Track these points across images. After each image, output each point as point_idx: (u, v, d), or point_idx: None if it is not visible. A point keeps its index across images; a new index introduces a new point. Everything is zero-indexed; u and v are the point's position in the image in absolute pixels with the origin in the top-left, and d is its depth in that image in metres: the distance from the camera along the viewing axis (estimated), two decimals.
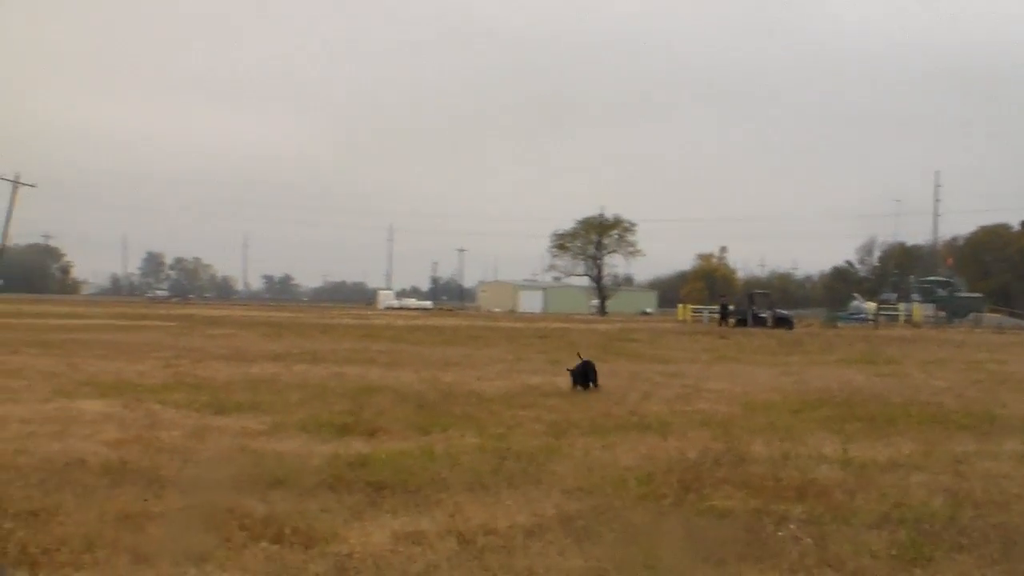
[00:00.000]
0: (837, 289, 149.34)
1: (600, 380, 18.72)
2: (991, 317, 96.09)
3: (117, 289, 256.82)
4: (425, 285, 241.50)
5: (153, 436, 11.80)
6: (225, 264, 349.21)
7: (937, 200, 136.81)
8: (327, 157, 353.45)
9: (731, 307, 76.51)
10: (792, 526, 7.79)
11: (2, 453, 10.33)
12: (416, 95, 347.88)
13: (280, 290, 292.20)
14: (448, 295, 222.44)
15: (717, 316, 77.67)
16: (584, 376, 18.86)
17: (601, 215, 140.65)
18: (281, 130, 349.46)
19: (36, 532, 7.09)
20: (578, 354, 20.18)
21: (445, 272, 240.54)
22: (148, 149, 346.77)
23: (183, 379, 19.10)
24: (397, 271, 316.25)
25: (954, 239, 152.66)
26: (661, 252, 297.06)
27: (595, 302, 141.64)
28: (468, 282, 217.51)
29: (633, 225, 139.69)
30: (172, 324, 50.78)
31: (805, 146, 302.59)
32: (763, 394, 18.54)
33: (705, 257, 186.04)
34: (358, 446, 11.24)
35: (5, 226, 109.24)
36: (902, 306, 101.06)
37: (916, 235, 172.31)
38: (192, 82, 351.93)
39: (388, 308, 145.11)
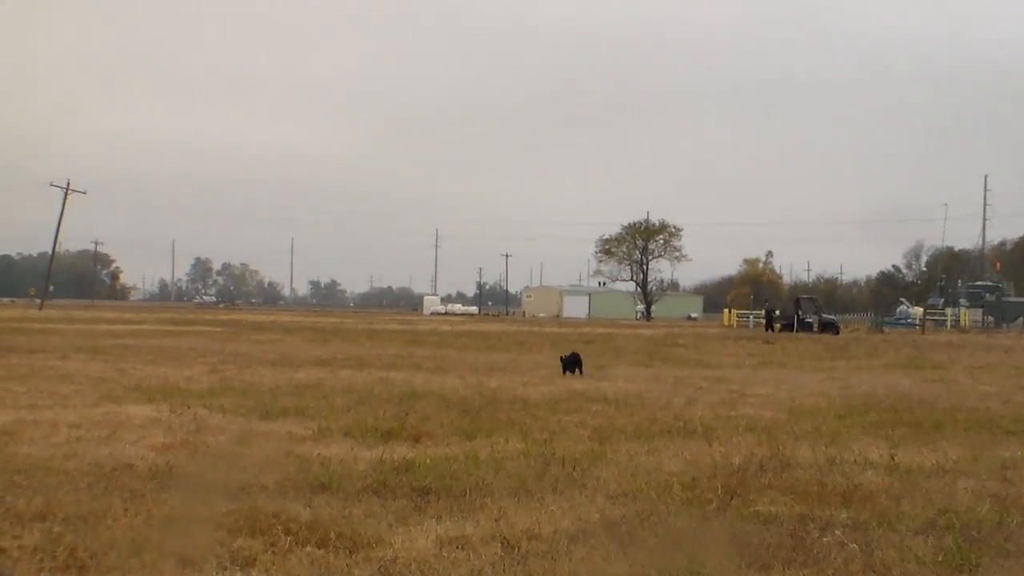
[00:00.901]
0: (884, 294, 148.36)
1: (644, 385, 18.71)
2: None
3: (165, 295, 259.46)
4: (470, 290, 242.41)
5: (200, 441, 11.88)
6: (272, 269, 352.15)
7: (986, 204, 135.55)
8: (374, 162, 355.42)
9: (777, 312, 76.26)
10: (837, 532, 7.73)
11: (52, 458, 10.43)
12: (462, 100, 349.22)
13: (326, 295, 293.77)
14: (493, 300, 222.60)
15: (763, 321, 77.34)
16: (572, 364, 23.16)
17: (647, 220, 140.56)
18: (329, 138, 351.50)
19: (85, 536, 7.15)
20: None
21: (490, 277, 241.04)
22: (196, 154, 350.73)
23: (230, 384, 19.22)
24: (442, 276, 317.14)
25: (1002, 243, 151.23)
26: (707, 257, 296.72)
27: (640, 307, 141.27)
28: (513, 287, 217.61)
29: (679, 230, 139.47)
30: (219, 329, 51.18)
31: (853, 149, 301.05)
32: (808, 399, 18.42)
33: (751, 262, 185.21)
34: (403, 451, 11.26)
35: (56, 232, 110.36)
36: (949, 311, 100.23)
37: (964, 239, 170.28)
38: (240, 87, 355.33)
39: (434, 313, 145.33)
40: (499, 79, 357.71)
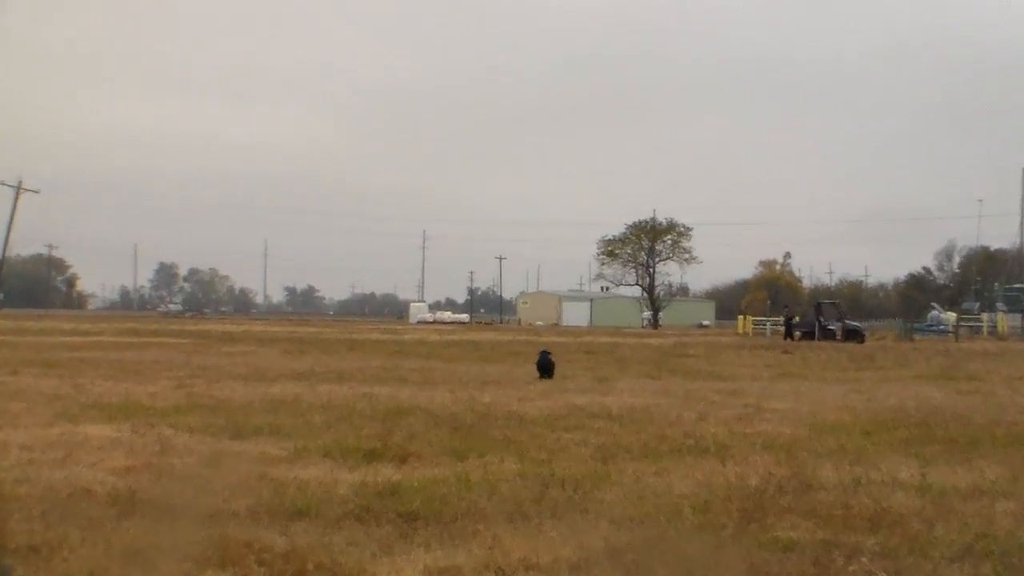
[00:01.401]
0: (913, 298, 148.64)
1: (651, 399, 18.77)
2: None
3: (126, 303, 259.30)
4: (461, 297, 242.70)
5: (164, 463, 11.85)
6: (243, 275, 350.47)
7: None
8: (356, 157, 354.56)
9: (796, 318, 76.39)
10: (865, 559, 7.71)
11: (1, 482, 10.39)
12: (450, 92, 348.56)
13: (303, 303, 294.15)
14: (486, 307, 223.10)
15: (781, 328, 77.53)
16: (546, 366, 26.17)
17: (653, 218, 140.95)
18: (304, 130, 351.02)
19: (38, 569, 7.12)
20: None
21: (483, 282, 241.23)
22: (160, 152, 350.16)
23: (197, 401, 19.18)
24: (430, 282, 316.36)
25: None
26: (719, 259, 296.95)
27: (647, 314, 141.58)
28: (508, 293, 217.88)
29: (688, 229, 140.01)
30: (186, 341, 51.13)
31: (878, 142, 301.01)
32: (832, 414, 18.42)
33: (768, 264, 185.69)
34: (388, 473, 11.24)
35: (6, 235, 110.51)
36: (985, 316, 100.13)
37: (1000, 238, 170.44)
38: (209, 78, 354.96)
39: (421, 322, 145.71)
40: (491, 67, 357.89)
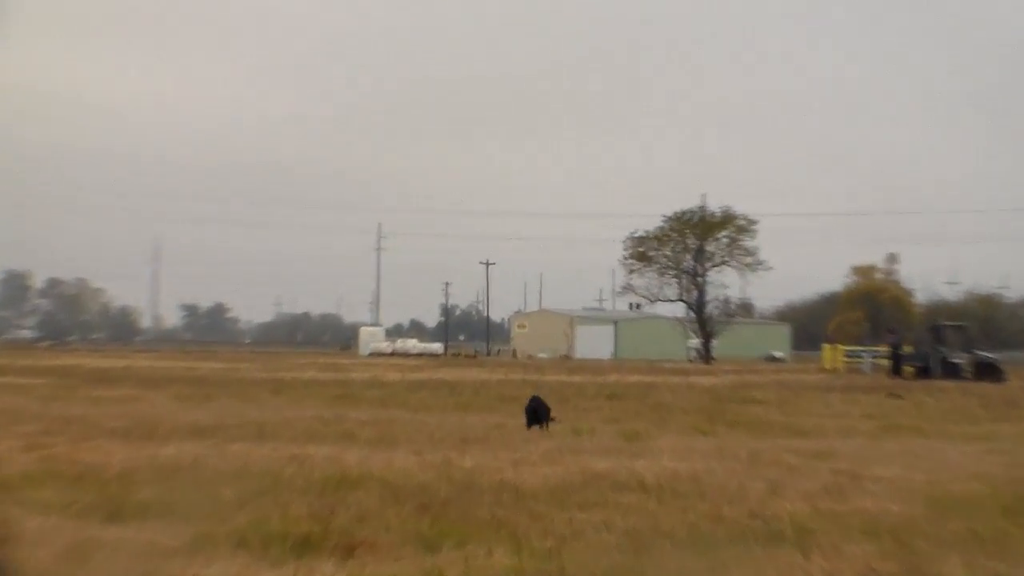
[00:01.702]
0: None
1: (702, 463, 18.73)
2: None
3: None
4: (432, 319, 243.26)
5: (10, 557, 11.79)
6: (124, 288, 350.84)
7: None
8: (287, 129, 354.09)
9: (907, 348, 76.41)
10: None
11: None
12: (421, 40, 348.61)
13: (208, 328, 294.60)
14: (467, 333, 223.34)
15: (885, 362, 77.58)
16: (537, 414, 27.45)
17: (702, 207, 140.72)
18: (215, 89, 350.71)
19: None
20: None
21: (463, 298, 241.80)
22: (6, 116, 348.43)
23: (56, 467, 19.12)
24: (389, 298, 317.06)
25: None
26: (796, 264, 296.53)
27: (695, 342, 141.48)
28: (498, 313, 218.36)
29: (752, 223, 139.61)
30: (41, 381, 51.14)
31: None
32: (959, 484, 18.41)
33: (865, 271, 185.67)
34: (327, 570, 11.20)
35: None
36: None
37: None
38: (83, 16, 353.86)
39: (375, 354, 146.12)
40: (472, 25, 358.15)
